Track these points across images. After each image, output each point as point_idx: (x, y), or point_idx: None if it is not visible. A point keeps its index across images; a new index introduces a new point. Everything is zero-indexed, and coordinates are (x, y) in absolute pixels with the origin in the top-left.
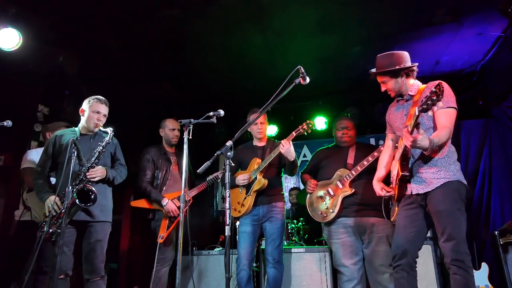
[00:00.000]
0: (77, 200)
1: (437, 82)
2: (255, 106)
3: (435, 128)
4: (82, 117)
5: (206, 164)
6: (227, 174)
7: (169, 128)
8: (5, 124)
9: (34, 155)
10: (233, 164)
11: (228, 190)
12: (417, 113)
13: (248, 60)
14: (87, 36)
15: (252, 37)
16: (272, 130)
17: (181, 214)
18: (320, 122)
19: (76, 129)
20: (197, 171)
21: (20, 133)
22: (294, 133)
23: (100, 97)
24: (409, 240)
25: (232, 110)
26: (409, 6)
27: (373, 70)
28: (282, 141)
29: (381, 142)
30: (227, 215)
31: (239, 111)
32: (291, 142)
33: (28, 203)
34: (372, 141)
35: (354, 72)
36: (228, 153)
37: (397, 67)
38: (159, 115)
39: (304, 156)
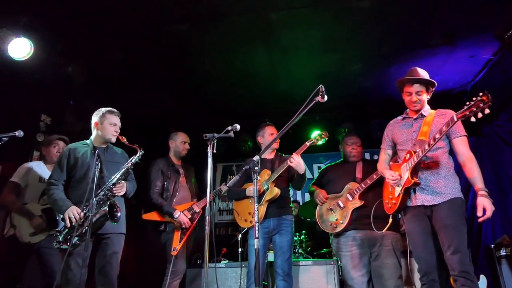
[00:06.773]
0: (108, 215)
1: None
2: (256, 118)
3: (445, 149)
4: (95, 130)
5: (235, 178)
6: (255, 188)
7: (181, 141)
8: (16, 134)
9: (27, 168)
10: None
11: (257, 204)
12: (455, 119)
13: (252, 74)
14: (95, 47)
15: (257, 53)
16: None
17: (208, 227)
18: None
19: (88, 141)
20: (227, 185)
21: (22, 143)
22: (307, 143)
23: (114, 109)
24: (432, 252)
25: (234, 122)
26: (407, 29)
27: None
28: (293, 155)
29: (375, 157)
30: (256, 228)
31: (241, 123)
32: (299, 156)
33: (14, 222)
34: (367, 156)
35: (351, 88)
36: (256, 168)
37: (433, 80)
38: (164, 127)
39: None
